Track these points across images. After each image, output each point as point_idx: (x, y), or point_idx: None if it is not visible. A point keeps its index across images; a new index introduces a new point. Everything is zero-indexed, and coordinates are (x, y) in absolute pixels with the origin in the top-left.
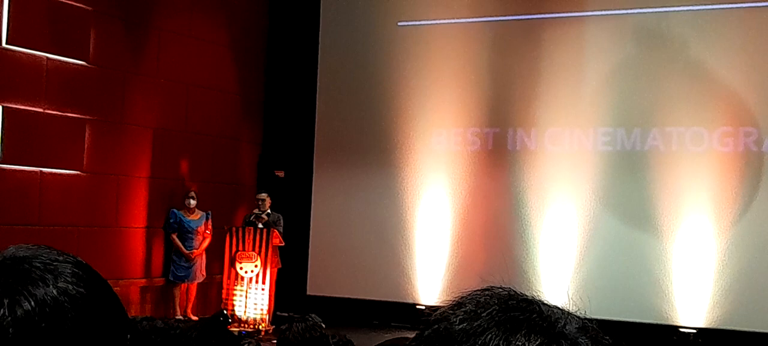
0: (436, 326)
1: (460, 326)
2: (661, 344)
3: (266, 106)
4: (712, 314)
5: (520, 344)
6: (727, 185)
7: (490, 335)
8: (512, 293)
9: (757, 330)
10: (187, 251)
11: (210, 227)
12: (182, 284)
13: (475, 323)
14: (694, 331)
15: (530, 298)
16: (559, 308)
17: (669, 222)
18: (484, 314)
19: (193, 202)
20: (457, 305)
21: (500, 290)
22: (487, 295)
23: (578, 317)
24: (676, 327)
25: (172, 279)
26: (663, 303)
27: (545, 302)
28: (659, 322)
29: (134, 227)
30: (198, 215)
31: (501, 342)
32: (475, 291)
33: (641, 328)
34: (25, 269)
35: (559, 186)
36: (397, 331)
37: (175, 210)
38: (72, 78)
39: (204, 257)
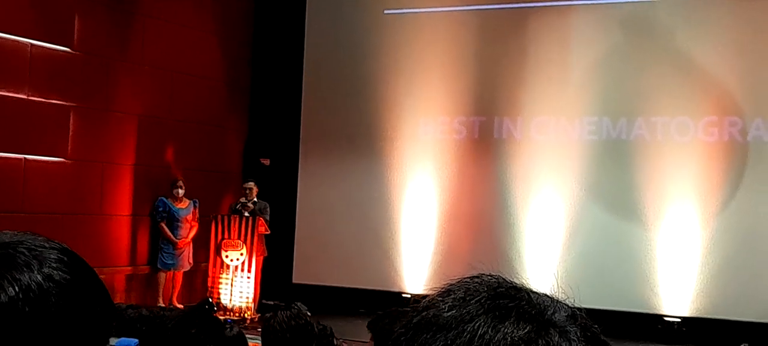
0: (425, 312)
1: (449, 313)
2: (646, 332)
3: (252, 94)
4: (696, 302)
5: (508, 331)
6: (711, 175)
7: (478, 322)
8: (501, 280)
9: (741, 319)
10: (176, 239)
11: (197, 215)
12: (167, 272)
13: (464, 310)
14: (679, 320)
15: (519, 285)
16: (548, 296)
17: (654, 211)
18: (473, 301)
19: (181, 191)
20: (445, 292)
21: (489, 277)
22: (476, 282)
23: (567, 306)
24: (661, 316)
25: (159, 267)
26: (648, 292)
27: (534, 290)
28: (644, 311)
29: (119, 214)
30: (186, 203)
31: (489, 329)
32: (464, 278)
33: (626, 316)
34: (10, 255)
35: (545, 175)
36: None
37: (164, 198)
38: (56, 65)
39: (191, 245)
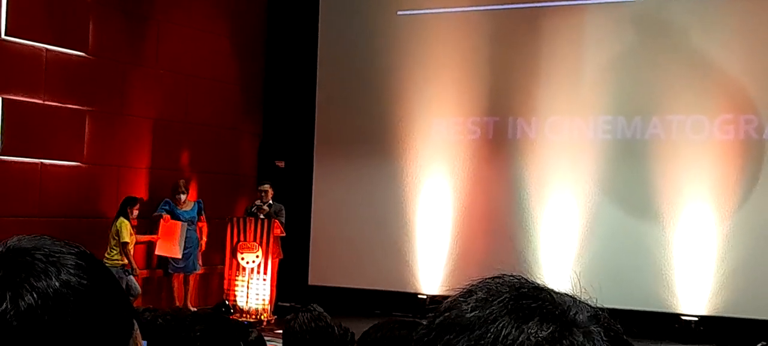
0: (447, 313)
1: (472, 314)
2: (663, 331)
3: (266, 97)
4: (713, 301)
5: (532, 332)
6: (727, 173)
7: (502, 323)
8: (523, 281)
9: (758, 317)
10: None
11: (203, 216)
12: (180, 275)
13: (487, 311)
14: (696, 319)
15: (542, 286)
16: (570, 296)
17: (670, 210)
18: (496, 302)
19: (183, 196)
20: (467, 292)
21: (511, 278)
22: (498, 282)
23: (589, 306)
24: (678, 315)
25: (170, 271)
26: (664, 291)
27: (556, 290)
28: (661, 310)
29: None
30: (189, 205)
31: (513, 330)
32: (485, 279)
33: (643, 316)
34: (27, 262)
35: (560, 175)
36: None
37: (169, 200)
38: (71, 69)
39: (201, 248)
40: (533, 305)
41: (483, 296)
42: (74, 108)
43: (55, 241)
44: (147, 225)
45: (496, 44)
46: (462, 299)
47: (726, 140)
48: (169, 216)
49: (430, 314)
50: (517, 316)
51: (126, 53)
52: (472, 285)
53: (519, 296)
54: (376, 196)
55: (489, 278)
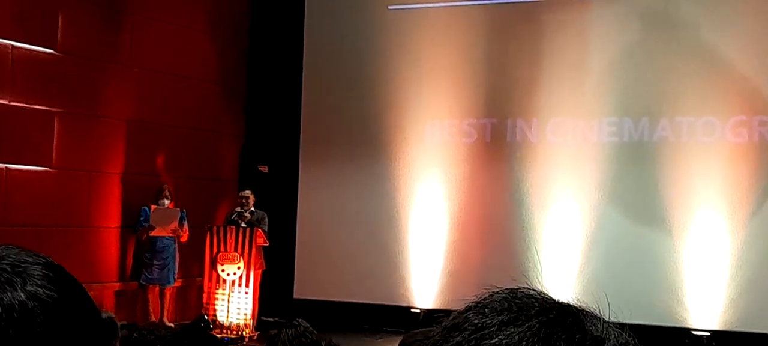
0: (468, 334)
1: (497, 339)
2: None
3: (249, 97)
4: (726, 315)
5: None
6: (741, 178)
7: None
8: (548, 301)
9: None
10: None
11: (185, 226)
12: (155, 288)
13: (516, 337)
14: (708, 333)
15: (567, 306)
16: (597, 318)
17: (679, 218)
18: (525, 327)
19: (167, 201)
20: (480, 306)
21: (531, 294)
22: (520, 301)
23: (615, 328)
24: (689, 329)
25: (143, 282)
26: (674, 304)
27: (582, 308)
28: (670, 324)
29: (107, 226)
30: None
31: None
32: (501, 292)
33: (651, 330)
34: None
35: (563, 180)
36: (390, 336)
37: (147, 208)
38: (39, 67)
39: (177, 259)
40: (564, 335)
41: (506, 318)
42: (42, 109)
43: (21, 251)
44: (132, 233)
45: (494, 41)
46: (478, 318)
47: (739, 143)
48: (154, 206)
49: (439, 327)
50: (547, 343)
51: (98, 50)
52: (486, 298)
53: (548, 322)
54: (366, 203)
55: (506, 292)
